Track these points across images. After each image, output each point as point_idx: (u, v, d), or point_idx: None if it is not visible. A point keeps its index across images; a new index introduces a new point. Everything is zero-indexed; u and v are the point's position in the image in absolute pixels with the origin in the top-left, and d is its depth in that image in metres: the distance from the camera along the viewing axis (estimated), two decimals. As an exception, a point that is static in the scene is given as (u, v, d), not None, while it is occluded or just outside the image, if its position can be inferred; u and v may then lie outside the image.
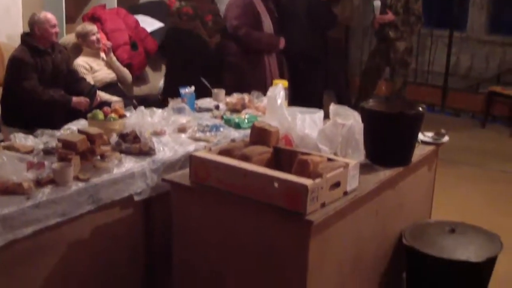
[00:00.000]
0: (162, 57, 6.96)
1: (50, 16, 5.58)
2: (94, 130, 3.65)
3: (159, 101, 6.21)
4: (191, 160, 3.35)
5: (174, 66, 6.37)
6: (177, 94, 4.84)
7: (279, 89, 3.78)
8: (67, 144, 3.49)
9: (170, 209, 3.50)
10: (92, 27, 6.17)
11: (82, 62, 6.05)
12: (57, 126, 4.30)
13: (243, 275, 3.28)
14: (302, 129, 3.64)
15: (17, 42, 6.47)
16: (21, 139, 3.85)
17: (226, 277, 3.35)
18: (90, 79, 5.94)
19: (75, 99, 5.46)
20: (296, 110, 3.81)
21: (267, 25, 6.33)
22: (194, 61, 6.05)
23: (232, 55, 6.26)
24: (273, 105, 3.76)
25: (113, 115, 4.03)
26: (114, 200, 3.48)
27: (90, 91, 5.68)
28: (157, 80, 7.06)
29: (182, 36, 6.25)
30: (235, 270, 3.31)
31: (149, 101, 6.08)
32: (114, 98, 5.77)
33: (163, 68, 6.91)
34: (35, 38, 5.52)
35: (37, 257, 3.19)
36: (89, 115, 4.09)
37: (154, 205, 3.76)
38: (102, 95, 5.82)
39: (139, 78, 6.82)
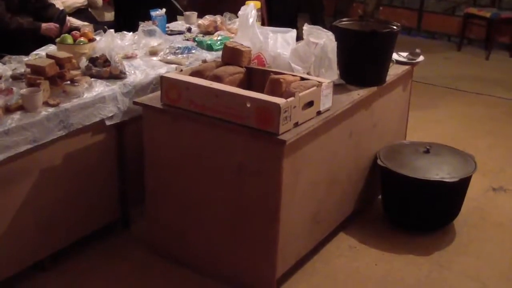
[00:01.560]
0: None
1: None
2: (63, 54, 3.58)
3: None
4: (162, 82, 3.30)
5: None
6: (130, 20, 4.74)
7: (250, 8, 3.71)
8: (35, 69, 3.42)
9: (142, 133, 3.47)
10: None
11: (51, -13, 5.91)
12: (28, 53, 4.22)
13: (215, 196, 3.28)
14: (274, 49, 3.60)
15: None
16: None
17: (198, 198, 3.35)
18: (59, 4, 5.81)
19: (44, 25, 5.33)
20: (268, 29, 3.75)
21: None
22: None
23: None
24: (245, 24, 3.69)
25: (82, 39, 3.94)
26: (85, 125, 3.43)
27: (59, 16, 5.55)
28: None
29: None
30: (207, 191, 3.30)
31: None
32: (84, 24, 5.67)
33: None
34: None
35: (9, 184, 3.15)
36: (57, 39, 4.00)
37: (126, 130, 3.71)
38: (73, 21, 5.69)
39: (110, 4, 6.67)
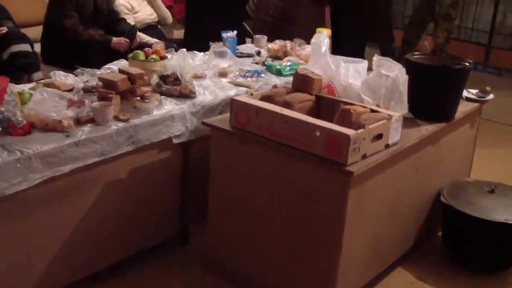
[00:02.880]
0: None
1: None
2: (135, 70, 3.62)
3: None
4: (232, 104, 3.32)
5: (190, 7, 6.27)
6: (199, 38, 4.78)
7: (323, 37, 3.71)
8: (107, 83, 3.47)
9: (207, 153, 3.49)
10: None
11: (123, 2, 6.01)
12: (96, 66, 4.28)
13: (276, 219, 3.27)
14: (345, 78, 3.59)
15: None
16: (61, 77, 3.82)
17: (259, 220, 3.35)
18: (131, 19, 5.91)
19: (115, 39, 5.44)
20: (340, 59, 3.74)
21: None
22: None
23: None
24: (317, 53, 3.70)
25: (154, 56, 3.99)
26: (153, 142, 3.46)
27: (130, 31, 5.64)
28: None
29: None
30: (269, 214, 3.30)
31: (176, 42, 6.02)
32: (153, 40, 5.74)
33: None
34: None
35: (75, 194, 3.19)
36: (130, 55, 4.05)
37: (191, 148, 3.73)
38: (142, 36, 5.79)
39: (180, 22, 6.75)
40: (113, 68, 3.97)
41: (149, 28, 6.10)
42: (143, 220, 3.60)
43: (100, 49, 5.39)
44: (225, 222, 3.52)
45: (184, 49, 4.08)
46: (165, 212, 3.74)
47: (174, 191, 3.76)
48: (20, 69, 5.07)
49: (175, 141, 3.59)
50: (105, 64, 4.15)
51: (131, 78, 3.53)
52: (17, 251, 3.04)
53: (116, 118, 3.33)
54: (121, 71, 3.64)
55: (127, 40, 5.48)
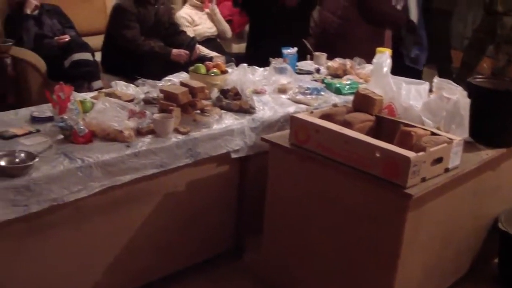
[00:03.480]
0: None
1: (156, -34, 5.61)
2: (196, 83, 3.64)
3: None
4: (292, 122, 3.31)
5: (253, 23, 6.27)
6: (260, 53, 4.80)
7: (385, 57, 3.69)
8: (168, 96, 3.50)
9: (264, 168, 3.49)
10: (200, -22, 6.19)
11: (184, 15, 6.08)
12: (155, 77, 4.33)
13: (331, 238, 3.25)
14: (406, 100, 3.56)
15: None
16: (122, 87, 3.87)
17: (314, 237, 3.33)
18: (191, 32, 5.96)
19: (174, 51, 5.49)
20: (401, 79, 3.71)
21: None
22: (271, 18, 5.92)
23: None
24: (379, 73, 3.68)
25: (215, 70, 4.01)
26: (211, 155, 3.48)
27: (189, 43, 5.69)
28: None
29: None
30: (324, 232, 3.28)
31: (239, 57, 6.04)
32: (213, 53, 5.78)
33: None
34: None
35: (133, 204, 3.23)
36: (191, 68, 4.07)
37: (249, 163, 3.74)
38: (201, 49, 5.83)
39: (239, 36, 6.78)
40: (174, 81, 4.00)
41: (208, 41, 6.15)
42: (198, 233, 3.61)
43: (160, 60, 5.45)
44: (280, 239, 3.51)
45: (245, 64, 4.09)
46: (220, 226, 3.76)
47: (230, 205, 3.77)
48: (81, 77, 5.16)
49: (233, 156, 3.60)
50: (164, 75, 4.18)
51: (192, 91, 3.55)
52: (73, 257, 3.09)
53: (176, 131, 3.35)
54: (182, 84, 3.66)
55: (187, 52, 5.53)
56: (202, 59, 5.55)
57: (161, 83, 3.97)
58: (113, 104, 3.31)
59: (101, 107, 3.26)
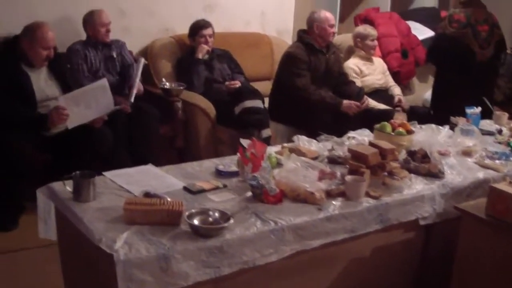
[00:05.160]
0: (428, 63, 6.64)
1: (329, 15, 5.55)
2: (386, 144, 3.49)
3: (426, 114, 5.93)
4: (491, 192, 3.10)
5: (441, 76, 6.06)
6: (446, 109, 4.59)
7: None
8: (357, 156, 3.36)
9: (449, 236, 3.34)
10: (374, 32, 6.06)
11: (352, 65, 5.97)
12: (324, 127, 4.22)
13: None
14: None
15: (286, 37, 6.54)
16: (304, 142, 3.78)
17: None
18: (358, 83, 5.83)
19: (345, 102, 5.37)
20: None
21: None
22: (461, 73, 5.72)
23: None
24: None
25: (401, 129, 3.85)
26: (400, 221, 3.31)
27: (358, 94, 5.56)
28: (422, 91, 6.81)
29: (448, 43, 5.85)
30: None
31: (415, 112, 5.86)
32: (381, 105, 5.64)
33: (430, 79, 6.65)
34: (312, 36, 5.52)
35: (319, 269, 3.10)
36: (376, 126, 3.92)
37: (434, 230, 3.54)
38: (369, 101, 5.68)
39: (405, 88, 6.60)
40: (358, 138, 3.86)
41: (376, 93, 5.98)
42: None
43: (328, 110, 5.33)
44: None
45: (433, 125, 3.92)
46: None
47: (412, 272, 3.58)
48: (251, 124, 5.11)
49: (422, 222, 3.41)
50: (333, 126, 4.09)
51: (382, 152, 3.40)
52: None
53: (367, 194, 3.20)
54: (371, 144, 3.52)
55: (358, 104, 5.39)
56: (372, 112, 5.44)
57: (342, 139, 3.84)
58: (303, 163, 3.21)
59: (292, 166, 3.17)
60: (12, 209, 4.49)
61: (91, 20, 5.35)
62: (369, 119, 5.10)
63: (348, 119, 5.30)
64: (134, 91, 5.07)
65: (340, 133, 4.10)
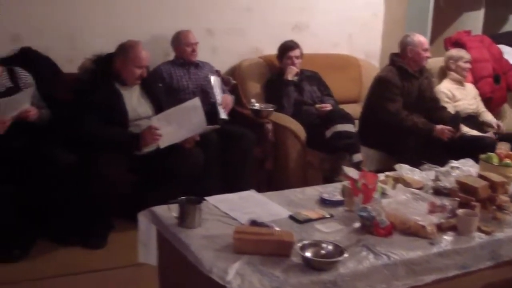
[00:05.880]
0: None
1: (423, 39, 5.46)
2: (497, 177, 3.38)
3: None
4: None
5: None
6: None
7: None
8: (466, 188, 3.27)
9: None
10: (468, 55, 5.92)
11: (444, 89, 5.83)
12: (415, 153, 4.12)
13: None
14: None
15: (374, 59, 6.45)
16: (407, 171, 3.68)
17: None
18: (451, 108, 5.69)
19: (438, 127, 5.24)
20: None
21: None
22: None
23: None
24: None
25: (508, 160, 3.71)
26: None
27: (453, 119, 5.42)
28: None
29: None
30: None
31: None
32: (473, 131, 5.50)
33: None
34: (405, 59, 5.42)
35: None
36: (481, 156, 3.80)
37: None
38: (461, 127, 5.54)
39: (496, 114, 6.41)
40: (462, 168, 3.74)
41: (468, 119, 5.81)
42: None
43: (421, 136, 5.21)
44: None
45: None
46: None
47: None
48: (342, 149, 5.03)
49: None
50: (425, 152, 4.00)
51: (492, 185, 3.29)
52: None
53: (478, 229, 3.09)
54: (480, 176, 3.40)
55: (451, 129, 5.24)
56: (464, 138, 5.31)
57: (445, 169, 3.73)
58: (414, 195, 3.12)
59: (402, 198, 3.08)
60: (101, 227, 4.49)
61: (177, 40, 5.41)
62: (463, 145, 4.99)
63: (441, 145, 5.17)
64: (220, 108, 5.05)
65: (432, 159, 3.99)
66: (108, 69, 4.60)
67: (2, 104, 4.05)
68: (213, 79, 5.23)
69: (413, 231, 2.97)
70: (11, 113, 4.11)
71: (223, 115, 5.08)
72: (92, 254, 4.28)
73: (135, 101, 4.64)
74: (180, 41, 5.37)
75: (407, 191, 3.15)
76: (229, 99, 5.27)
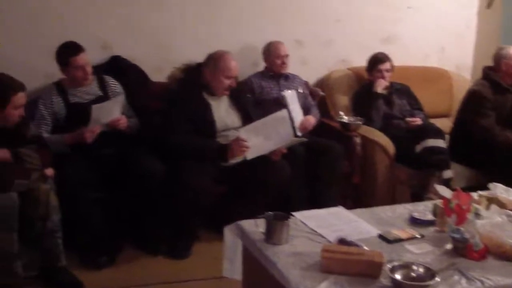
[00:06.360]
0: None
1: (519, 52, 5.26)
2: None
3: None
4: None
5: None
6: None
7: None
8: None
9: None
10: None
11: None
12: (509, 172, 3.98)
13: None
14: None
15: (465, 72, 6.28)
16: (502, 191, 3.54)
17: None
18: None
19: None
20: None
21: None
22: None
23: None
24: None
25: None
26: None
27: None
28: None
29: None
30: None
31: None
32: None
33: None
34: (499, 73, 5.25)
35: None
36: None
37: None
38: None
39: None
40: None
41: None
42: None
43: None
44: None
45: None
46: None
47: None
48: (433, 165, 4.91)
49: None
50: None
51: None
52: None
53: None
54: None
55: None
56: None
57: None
58: (509, 217, 3.01)
59: (498, 220, 2.96)
60: (187, 237, 4.49)
61: (268, 51, 5.38)
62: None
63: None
64: (295, 124, 4.99)
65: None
66: (197, 79, 4.60)
67: (95, 111, 4.10)
68: (288, 95, 5.15)
69: (509, 256, 2.85)
70: (103, 120, 4.15)
71: (298, 132, 4.99)
72: (176, 264, 4.29)
73: (223, 112, 4.63)
74: (270, 52, 5.35)
75: (502, 213, 3.04)
76: (309, 122, 5.18)
